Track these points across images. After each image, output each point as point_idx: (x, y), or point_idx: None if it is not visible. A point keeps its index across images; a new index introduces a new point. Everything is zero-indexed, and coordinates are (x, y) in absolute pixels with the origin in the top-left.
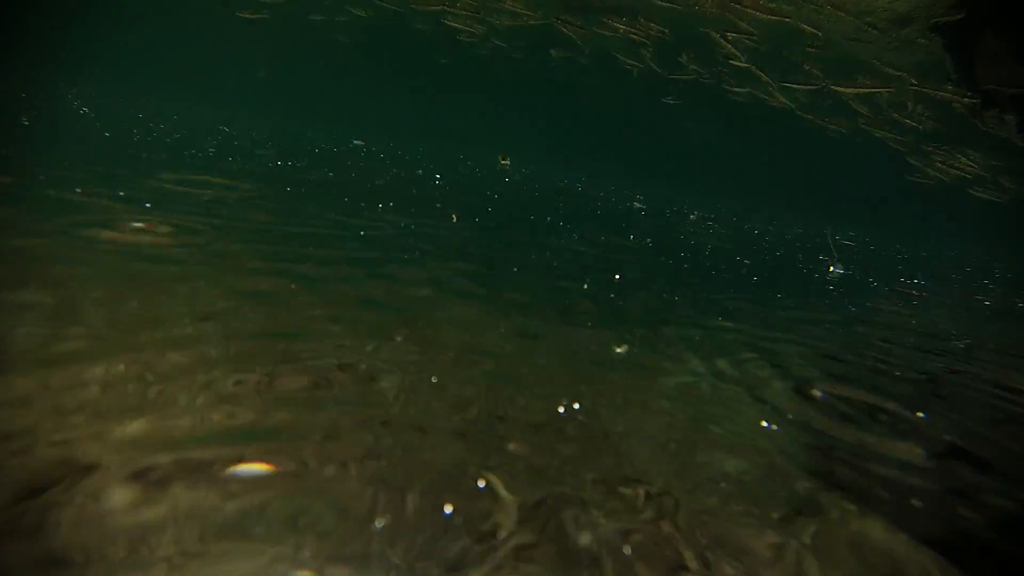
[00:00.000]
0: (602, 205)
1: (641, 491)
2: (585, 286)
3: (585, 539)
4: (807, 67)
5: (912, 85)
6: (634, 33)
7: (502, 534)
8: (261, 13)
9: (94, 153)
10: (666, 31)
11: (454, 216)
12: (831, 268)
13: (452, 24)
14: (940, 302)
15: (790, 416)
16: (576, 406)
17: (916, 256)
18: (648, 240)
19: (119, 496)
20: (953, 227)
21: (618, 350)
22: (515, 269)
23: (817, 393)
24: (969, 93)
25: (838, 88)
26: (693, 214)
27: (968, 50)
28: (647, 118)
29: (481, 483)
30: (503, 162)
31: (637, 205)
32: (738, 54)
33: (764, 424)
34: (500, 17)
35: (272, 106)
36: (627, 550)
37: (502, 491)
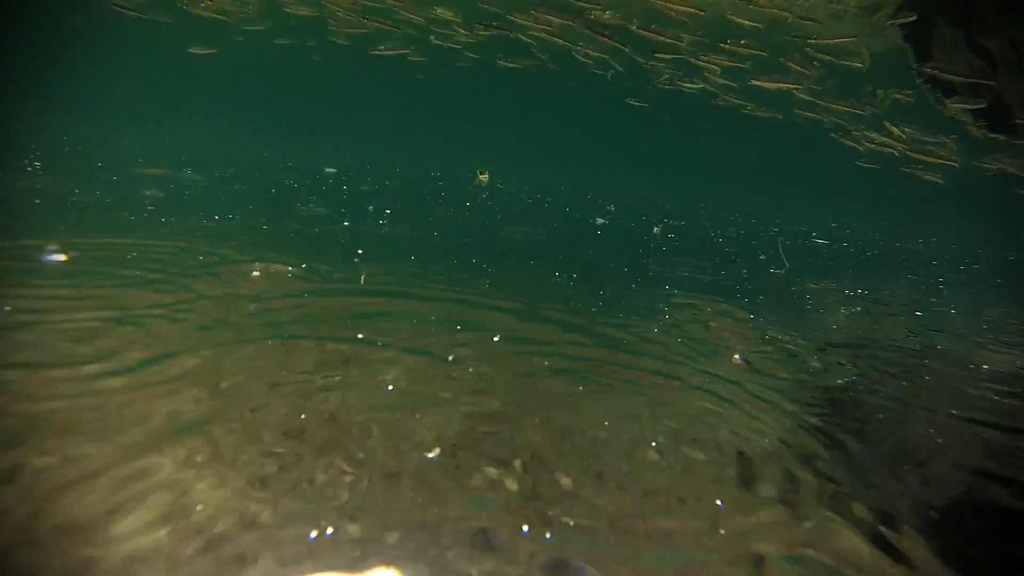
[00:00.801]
0: (559, 226)
1: None
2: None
3: None
4: (732, 63)
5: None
6: (535, 26)
7: None
8: (212, 49)
9: (11, 232)
10: (572, 21)
11: (362, 278)
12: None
13: (385, 53)
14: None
15: None
16: None
17: (888, 249)
18: (573, 275)
19: None
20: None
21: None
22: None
23: None
24: (929, 83)
25: (758, 82)
26: (657, 227)
27: (925, 40)
28: (615, 120)
29: None
30: (480, 177)
31: (600, 221)
32: (679, 42)
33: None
34: (445, 28)
35: (247, 126)
36: None
37: None
